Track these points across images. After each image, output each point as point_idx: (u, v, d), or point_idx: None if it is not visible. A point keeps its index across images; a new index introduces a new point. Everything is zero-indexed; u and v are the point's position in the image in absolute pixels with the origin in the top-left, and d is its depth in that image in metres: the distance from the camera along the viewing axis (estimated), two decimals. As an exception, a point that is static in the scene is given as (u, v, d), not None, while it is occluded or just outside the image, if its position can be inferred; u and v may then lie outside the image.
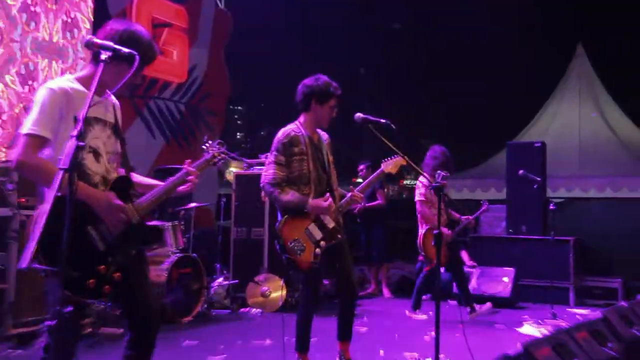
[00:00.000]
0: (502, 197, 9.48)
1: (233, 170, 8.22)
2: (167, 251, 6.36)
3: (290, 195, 3.94)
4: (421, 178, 6.56)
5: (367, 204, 8.40)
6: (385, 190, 9.21)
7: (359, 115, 3.93)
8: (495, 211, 8.91)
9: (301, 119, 4.20)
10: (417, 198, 6.53)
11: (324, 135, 4.35)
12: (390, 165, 4.42)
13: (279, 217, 4.11)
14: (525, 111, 14.21)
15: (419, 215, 6.56)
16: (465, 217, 6.75)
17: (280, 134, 4.09)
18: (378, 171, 4.40)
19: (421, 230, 6.49)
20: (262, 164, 6.69)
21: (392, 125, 3.75)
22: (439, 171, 5.38)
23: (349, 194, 4.21)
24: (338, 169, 4.54)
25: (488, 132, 14.94)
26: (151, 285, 2.86)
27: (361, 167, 8.74)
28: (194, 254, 6.58)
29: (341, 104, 4.26)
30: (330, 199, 4.03)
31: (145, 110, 8.81)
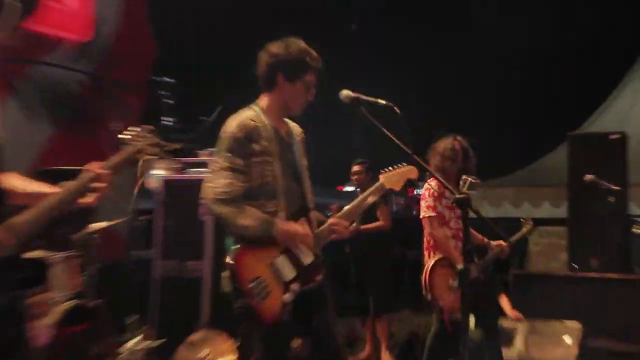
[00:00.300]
0: (562, 215, 9.42)
1: (158, 173, 8.08)
2: (53, 297, 6.27)
3: (250, 219, 3.99)
4: (429, 181, 6.52)
5: (361, 227, 8.37)
6: (389, 206, 9.20)
7: (346, 93, 4.02)
8: (551, 235, 8.93)
9: (263, 101, 4.29)
10: (423, 212, 6.45)
11: (296, 128, 4.45)
12: (393, 178, 4.54)
13: (231, 245, 4.19)
14: (592, 91, 14.44)
15: (425, 239, 6.51)
16: (495, 243, 6.62)
17: (233, 125, 4.13)
18: (375, 186, 4.50)
19: (428, 261, 6.38)
20: (203, 166, 6.71)
21: (396, 108, 3.84)
22: (464, 176, 5.38)
23: (329, 223, 4.28)
24: (316, 174, 4.68)
25: (538, 119, 14.81)
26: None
27: (356, 168, 8.53)
28: (96, 301, 6.53)
29: (321, 80, 4.39)
30: (307, 229, 4.17)
31: (23, 81, 8.80)
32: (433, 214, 6.31)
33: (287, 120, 4.37)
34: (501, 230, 6.36)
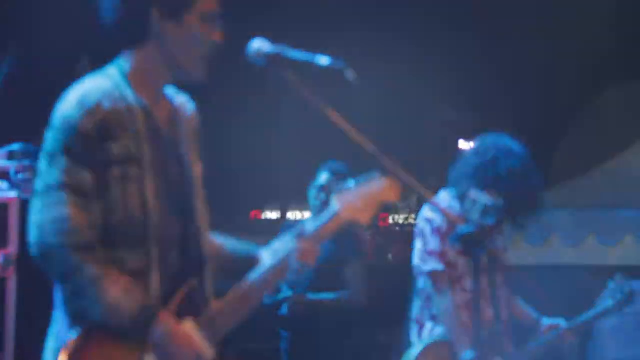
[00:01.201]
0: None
1: None
2: None
3: (123, 291, 3.08)
4: (428, 211, 5.32)
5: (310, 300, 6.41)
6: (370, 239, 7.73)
7: (260, 45, 3.16)
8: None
9: (127, 62, 3.31)
10: (418, 260, 5.23)
11: (184, 105, 3.44)
12: (356, 203, 3.57)
13: (61, 330, 3.22)
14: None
15: (417, 303, 5.35)
16: (549, 325, 5.33)
17: (73, 105, 3.14)
18: (327, 219, 3.50)
19: (414, 347, 5.19)
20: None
21: (350, 72, 3.04)
22: (472, 191, 4.08)
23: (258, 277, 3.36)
24: (246, 185, 4.87)
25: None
26: None
27: (323, 178, 6.60)
28: None
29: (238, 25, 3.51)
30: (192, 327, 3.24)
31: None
32: (438, 266, 5.10)
33: (169, 92, 3.35)
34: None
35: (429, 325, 5.18)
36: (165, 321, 3.13)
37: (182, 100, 3.38)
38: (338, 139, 3.36)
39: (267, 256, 3.46)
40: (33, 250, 3.08)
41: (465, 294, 5.04)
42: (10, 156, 5.04)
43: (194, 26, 3.18)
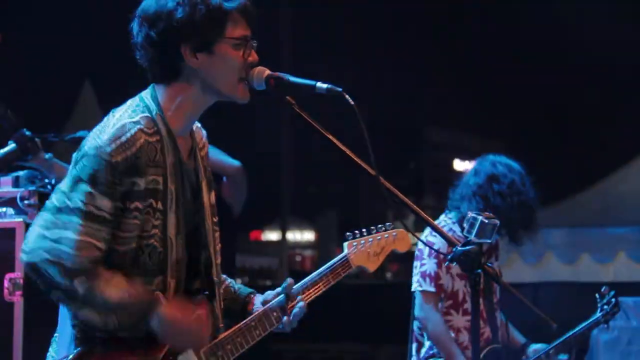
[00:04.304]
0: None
1: None
2: None
3: (120, 290, 3.03)
4: (428, 234, 5.28)
5: None
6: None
7: (260, 71, 3.11)
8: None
9: (164, 95, 3.19)
10: (416, 283, 5.22)
11: (198, 134, 3.35)
12: (367, 252, 3.63)
13: (61, 347, 3.22)
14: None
15: (416, 325, 5.31)
16: (534, 350, 5.29)
17: (105, 137, 3.05)
18: (338, 262, 3.58)
19: None
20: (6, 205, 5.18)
21: (347, 97, 3.01)
22: (470, 213, 3.55)
23: (276, 295, 3.40)
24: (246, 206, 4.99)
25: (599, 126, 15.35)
26: None
27: None
28: None
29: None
30: (204, 308, 3.24)
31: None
32: (431, 288, 5.13)
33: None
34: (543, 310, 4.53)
35: (427, 344, 5.19)
36: (160, 308, 3.08)
37: (196, 128, 3.33)
38: (337, 160, 3.26)
39: (259, 302, 3.43)
40: (23, 257, 3.04)
41: (467, 316, 5.04)
42: (16, 182, 4.97)
43: (227, 53, 3.13)
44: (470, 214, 3.58)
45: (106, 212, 3.01)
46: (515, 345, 5.47)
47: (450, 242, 3.28)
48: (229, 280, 3.45)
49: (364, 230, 3.72)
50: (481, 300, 4.51)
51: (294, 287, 3.45)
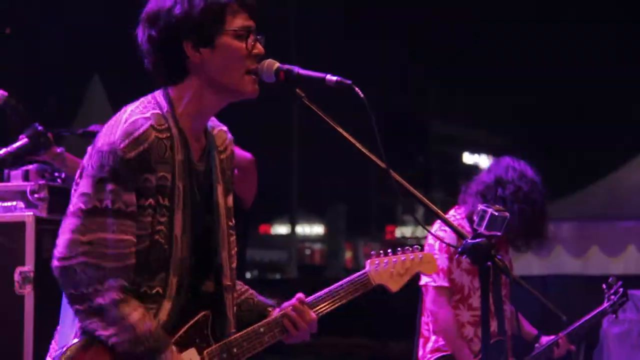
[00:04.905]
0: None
1: None
2: None
3: (137, 316, 2.98)
4: (438, 229, 5.27)
5: None
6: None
7: (270, 64, 3.06)
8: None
9: (175, 93, 3.17)
10: (425, 277, 5.10)
11: (220, 135, 3.33)
12: (390, 272, 3.55)
13: (62, 337, 3.15)
14: None
15: (422, 319, 5.31)
16: (547, 338, 5.31)
17: (117, 133, 3.02)
18: (356, 279, 3.50)
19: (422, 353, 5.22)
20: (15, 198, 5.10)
21: (358, 90, 2.93)
22: (481, 207, 3.53)
23: (282, 313, 3.30)
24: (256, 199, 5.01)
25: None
26: None
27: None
28: None
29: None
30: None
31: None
32: (442, 283, 5.11)
33: (210, 124, 3.22)
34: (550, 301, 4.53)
35: (433, 338, 5.20)
36: (167, 351, 3.07)
37: (219, 131, 3.31)
38: (347, 154, 3.18)
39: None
40: (56, 264, 3.01)
41: (472, 311, 5.07)
42: (26, 176, 4.95)
43: (229, 45, 3.10)
44: (480, 207, 3.55)
45: (132, 207, 3.01)
46: (527, 337, 5.49)
47: (460, 235, 3.26)
48: (251, 291, 3.44)
49: (389, 250, 3.66)
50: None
51: (310, 298, 3.42)
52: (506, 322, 5.33)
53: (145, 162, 3.01)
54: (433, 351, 5.21)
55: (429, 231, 3.95)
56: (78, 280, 2.98)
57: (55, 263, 2.98)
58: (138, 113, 3.01)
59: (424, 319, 5.28)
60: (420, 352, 5.29)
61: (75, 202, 3.01)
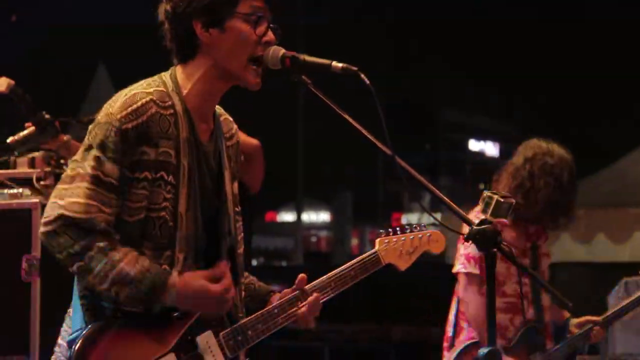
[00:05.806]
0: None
1: None
2: None
3: (135, 263, 2.97)
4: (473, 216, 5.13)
5: None
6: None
7: (276, 51, 3.05)
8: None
9: (182, 72, 3.21)
10: (458, 265, 5.15)
11: (227, 123, 3.36)
12: (400, 250, 3.52)
13: (75, 321, 3.16)
14: None
15: (452, 304, 5.25)
16: (577, 322, 5.22)
17: (117, 104, 3.08)
18: (366, 258, 3.48)
19: (450, 351, 5.09)
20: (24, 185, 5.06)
21: (363, 76, 2.92)
22: (485, 192, 3.56)
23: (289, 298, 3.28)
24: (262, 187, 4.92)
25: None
26: None
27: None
28: None
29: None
30: (228, 279, 3.11)
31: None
32: (476, 270, 5.03)
33: (217, 109, 3.24)
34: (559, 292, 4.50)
35: (465, 326, 5.18)
36: (171, 277, 3.06)
37: (225, 119, 3.32)
38: (353, 141, 3.16)
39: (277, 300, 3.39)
40: (41, 229, 3.04)
41: (505, 297, 5.05)
42: (32, 163, 4.94)
43: (238, 28, 3.09)
44: (486, 193, 3.54)
45: (113, 179, 3.00)
46: (559, 319, 5.42)
47: (466, 222, 3.21)
48: (252, 277, 3.44)
49: (397, 228, 3.62)
50: (527, 280, 4.57)
51: (319, 280, 3.41)
52: (545, 308, 5.23)
53: (144, 134, 3.01)
54: (467, 340, 5.11)
55: (436, 219, 3.91)
56: (63, 242, 2.99)
57: (40, 229, 3.00)
58: (140, 89, 3.04)
59: (457, 305, 5.26)
60: (452, 339, 5.28)
61: (68, 169, 3.06)
